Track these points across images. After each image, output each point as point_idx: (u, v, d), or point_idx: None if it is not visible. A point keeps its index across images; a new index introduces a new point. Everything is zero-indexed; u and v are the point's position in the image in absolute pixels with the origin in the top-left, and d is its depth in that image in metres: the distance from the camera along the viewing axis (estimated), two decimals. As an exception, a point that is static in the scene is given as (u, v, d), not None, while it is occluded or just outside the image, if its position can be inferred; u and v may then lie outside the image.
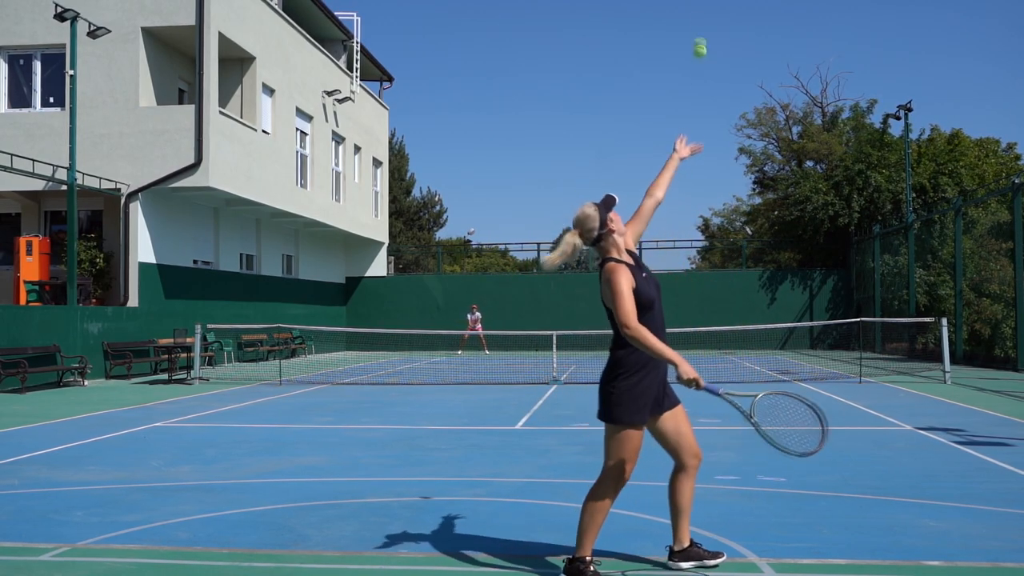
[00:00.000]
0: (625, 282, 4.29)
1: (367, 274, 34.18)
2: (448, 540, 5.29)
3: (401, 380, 18.76)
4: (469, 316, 30.79)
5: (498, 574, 4.67)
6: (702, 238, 51.15)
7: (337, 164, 29.61)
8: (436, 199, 52.25)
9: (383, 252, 34.74)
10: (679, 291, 31.66)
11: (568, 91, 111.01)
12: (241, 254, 25.48)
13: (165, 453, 8.78)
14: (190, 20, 20.09)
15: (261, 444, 9.37)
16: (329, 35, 29.78)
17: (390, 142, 40.60)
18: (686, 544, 4.70)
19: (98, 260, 20.37)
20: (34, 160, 18.13)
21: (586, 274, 34.55)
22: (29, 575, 4.70)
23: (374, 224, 33.47)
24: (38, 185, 19.54)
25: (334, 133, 29.04)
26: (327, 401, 14.12)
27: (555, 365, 18.31)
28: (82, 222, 20.82)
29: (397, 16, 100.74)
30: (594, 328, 23.73)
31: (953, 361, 18.20)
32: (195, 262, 22.80)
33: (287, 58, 24.81)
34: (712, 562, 4.68)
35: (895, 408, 12.22)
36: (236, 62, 22.50)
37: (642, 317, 4.29)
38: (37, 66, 20.82)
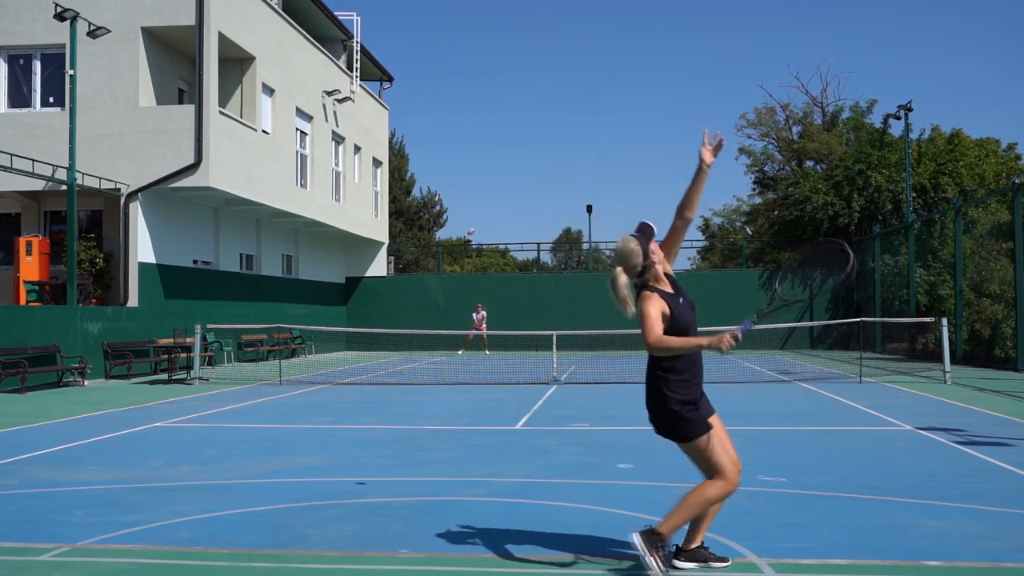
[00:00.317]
0: (653, 308, 4.46)
1: (367, 274, 34.18)
2: (448, 540, 5.29)
3: (401, 380, 18.76)
4: (475, 315, 30.79)
5: (498, 574, 4.67)
6: (702, 238, 51.18)
7: (337, 164, 29.61)
8: (436, 199, 52.27)
9: (383, 252, 34.74)
10: (679, 291, 31.62)
11: (568, 91, 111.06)
12: (241, 254, 25.48)
13: (165, 453, 8.78)
14: (190, 20, 20.09)
15: (261, 444, 9.37)
16: (329, 35, 29.78)
17: (390, 142, 40.60)
18: (694, 545, 4.70)
19: (98, 260, 20.37)
20: (34, 160, 18.13)
21: (586, 274, 34.55)
22: (29, 575, 4.70)
23: (374, 224, 33.47)
24: (38, 185, 19.54)
25: (334, 133, 29.04)
26: (327, 401, 14.12)
27: (555, 365, 18.31)
28: (82, 222, 20.83)
29: (397, 16, 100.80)
30: (594, 328, 23.76)
31: (953, 361, 18.20)
32: (195, 262, 22.80)
33: (287, 58, 24.81)
34: (717, 565, 4.68)
35: (895, 408, 12.22)
36: (236, 62, 22.50)
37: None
38: (37, 66, 20.82)
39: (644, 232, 4.60)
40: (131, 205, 19.94)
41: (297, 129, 25.77)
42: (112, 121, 20.05)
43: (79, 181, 18.56)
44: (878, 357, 26.00)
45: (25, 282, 19.22)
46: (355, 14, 30.12)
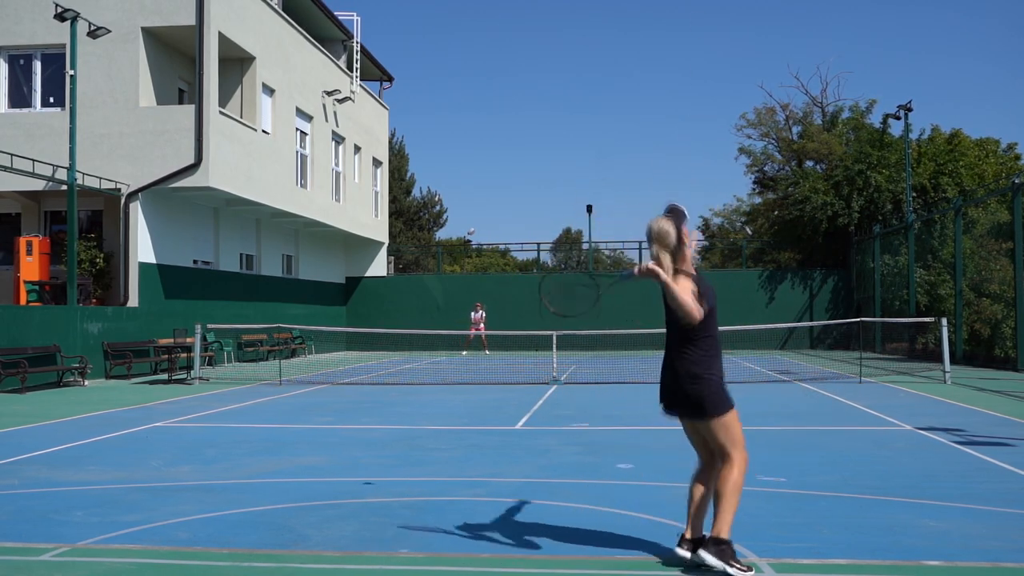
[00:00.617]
0: (690, 284, 4.59)
1: (367, 274, 34.18)
2: (448, 540, 5.29)
3: (401, 380, 18.76)
4: (473, 314, 30.70)
5: (498, 574, 4.67)
6: (702, 238, 51.18)
7: (337, 164, 29.61)
8: (436, 199, 52.26)
9: (383, 252, 34.74)
10: (679, 291, 31.61)
11: (568, 91, 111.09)
12: (241, 254, 25.48)
13: (165, 453, 8.78)
14: (190, 20, 20.09)
15: (261, 444, 9.37)
16: (329, 35, 29.79)
17: (390, 142, 40.60)
18: (701, 534, 4.75)
19: (98, 260, 20.37)
20: (34, 160, 18.13)
21: (585, 274, 34.53)
22: (29, 575, 4.70)
23: (374, 224, 33.47)
24: (38, 185, 19.54)
25: (334, 133, 29.04)
26: (327, 401, 14.12)
27: (555, 365, 18.31)
28: (82, 222, 20.83)
29: (397, 16, 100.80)
30: (594, 328, 23.78)
31: (953, 361, 18.19)
32: (195, 262, 22.80)
33: (287, 58, 24.81)
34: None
35: (895, 408, 12.22)
36: (236, 62, 22.50)
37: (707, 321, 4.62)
38: (37, 66, 20.82)
39: (675, 214, 4.65)
40: (131, 205, 19.94)
41: (297, 129, 25.78)
42: (112, 121, 20.05)
43: (79, 181, 18.56)
44: (878, 357, 26.00)
45: (25, 282, 19.22)
46: (355, 14, 30.15)
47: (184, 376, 18.33)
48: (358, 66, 30.37)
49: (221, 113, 20.72)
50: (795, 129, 40.95)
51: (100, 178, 19.54)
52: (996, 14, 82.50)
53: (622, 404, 13.06)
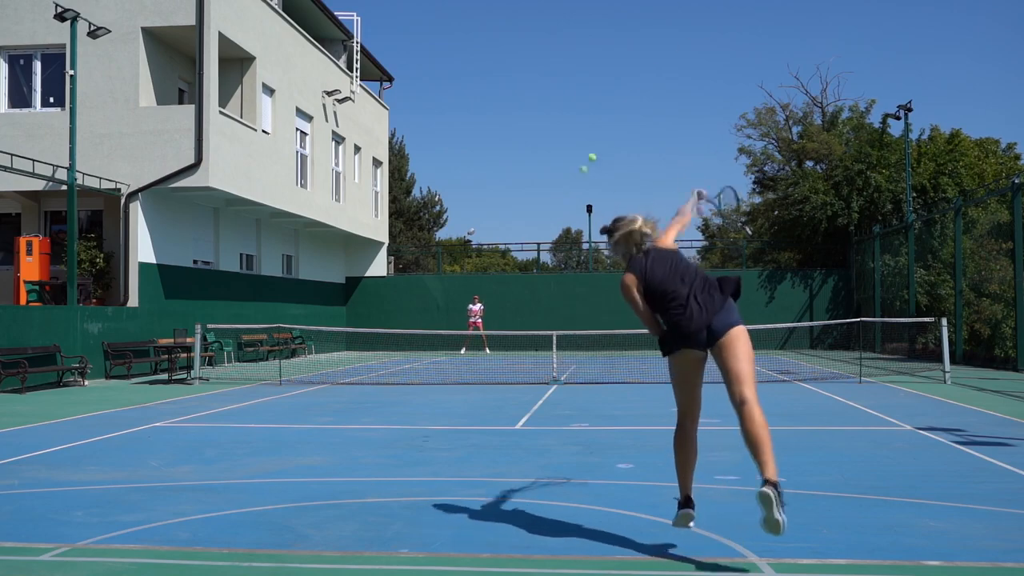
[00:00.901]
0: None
1: (367, 274, 34.18)
2: (448, 540, 5.29)
3: (401, 380, 18.76)
4: (472, 306, 30.46)
5: (498, 574, 4.67)
6: (702, 238, 51.18)
7: (337, 164, 29.61)
8: (436, 199, 52.24)
9: (383, 252, 34.74)
10: (679, 291, 31.59)
11: (568, 91, 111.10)
12: (241, 254, 25.48)
13: (165, 453, 8.78)
14: (190, 20, 20.09)
15: (261, 444, 9.37)
16: (329, 35, 29.79)
17: (390, 142, 40.59)
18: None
19: (98, 260, 20.37)
20: (34, 160, 18.13)
21: (586, 274, 34.56)
22: (29, 575, 4.70)
23: (374, 224, 33.47)
24: (38, 185, 19.54)
25: (334, 133, 29.04)
26: (327, 401, 14.12)
27: (555, 365, 18.31)
28: (82, 222, 20.83)
29: (397, 16, 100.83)
30: (594, 328, 23.78)
31: (953, 361, 18.20)
32: (195, 262, 22.80)
33: (287, 58, 24.81)
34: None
35: (895, 408, 12.22)
36: (236, 62, 22.50)
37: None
38: (37, 66, 20.83)
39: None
40: (131, 205, 19.95)
41: (297, 129, 25.78)
42: (112, 121, 20.05)
43: (79, 181, 18.56)
44: (878, 357, 25.99)
45: (25, 282, 19.22)
46: (355, 14, 30.14)
47: (184, 376, 18.33)
48: (358, 66, 30.37)
49: (221, 113, 20.72)
50: (795, 129, 40.95)
51: (100, 178, 19.54)
52: (996, 14, 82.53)
53: (622, 404, 13.06)
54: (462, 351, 30.38)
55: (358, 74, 30.46)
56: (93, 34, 18.46)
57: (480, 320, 30.04)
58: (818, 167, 36.83)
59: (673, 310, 4.89)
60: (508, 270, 51.71)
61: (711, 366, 4.97)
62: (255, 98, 22.78)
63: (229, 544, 5.26)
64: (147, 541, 5.34)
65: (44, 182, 19.02)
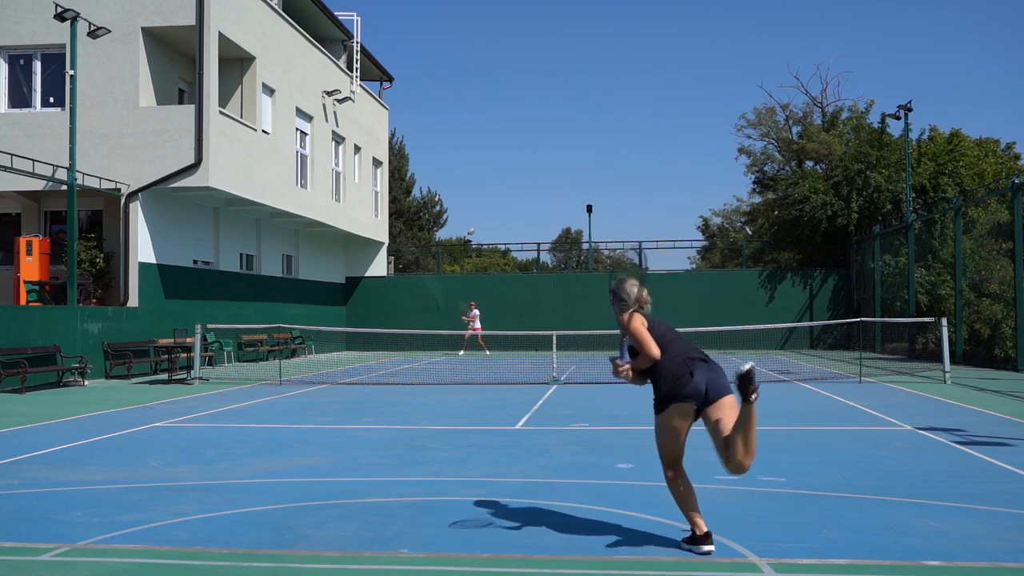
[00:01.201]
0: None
1: (367, 274, 34.18)
2: (448, 540, 5.29)
3: (401, 380, 18.76)
4: (470, 312, 30.36)
5: (498, 574, 4.67)
6: (702, 238, 51.19)
7: (337, 164, 29.61)
8: (436, 199, 52.25)
9: (383, 252, 34.75)
10: (679, 291, 31.67)
11: (568, 91, 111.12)
12: (241, 254, 25.48)
13: (165, 453, 8.78)
14: (190, 20, 20.09)
15: (261, 444, 9.37)
16: (329, 35, 29.79)
17: (390, 142, 40.60)
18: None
19: (98, 260, 20.37)
20: (34, 160, 18.13)
21: (586, 274, 34.57)
22: (29, 575, 4.70)
23: (374, 224, 33.47)
24: (38, 185, 19.54)
25: (334, 133, 29.04)
26: (327, 401, 14.12)
27: (555, 365, 18.31)
28: (82, 222, 20.83)
29: (397, 16, 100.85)
30: (594, 328, 23.75)
31: (953, 361, 18.20)
32: (195, 262, 22.81)
33: (287, 58, 24.82)
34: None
35: (895, 408, 12.22)
36: (236, 62, 22.50)
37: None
38: (37, 66, 20.83)
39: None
40: (131, 205, 19.95)
41: (297, 129, 25.78)
42: (112, 121, 20.05)
43: (79, 181, 18.56)
44: (878, 357, 26.00)
45: (25, 282, 19.22)
46: (355, 14, 30.14)
47: (184, 376, 18.34)
48: (358, 66, 30.37)
49: (221, 113, 20.72)
50: (795, 129, 40.97)
51: (100, 178, 19.54)
52: (996, 14, 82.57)
53: (622, 404, 13.06)
54: (460, 353, 30.33)
55: (358, 74, 30.47)
56: (93, 34, 18.46)
57: (478, 324, 29.72)
58: (818, 167, 36.85)
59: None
60: (508, 270, 51.71)
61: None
62: (255, 98, 22.78)
63: (229, 544, 5.26)
64: (147, 541, 5.34)
65: (44, 182, 19.02)
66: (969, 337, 22.42)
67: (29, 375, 15.77)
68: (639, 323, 5.26)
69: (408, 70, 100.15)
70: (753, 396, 4.67)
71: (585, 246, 39.69)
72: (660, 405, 5.07)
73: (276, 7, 24.15)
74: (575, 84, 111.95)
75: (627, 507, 6.12)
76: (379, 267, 34.46)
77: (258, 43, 22.80)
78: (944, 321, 16.80)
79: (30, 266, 19.31)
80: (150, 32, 20.51)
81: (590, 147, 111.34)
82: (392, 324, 31.99)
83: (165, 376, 18.40)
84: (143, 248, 20.15)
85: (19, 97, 20.97)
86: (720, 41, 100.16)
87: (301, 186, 26.11)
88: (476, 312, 29.73)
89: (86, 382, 17.45)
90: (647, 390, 5.17)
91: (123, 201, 19.92)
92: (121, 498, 6.62)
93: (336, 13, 28.92)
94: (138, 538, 5.41)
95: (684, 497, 5.07)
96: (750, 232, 45.22)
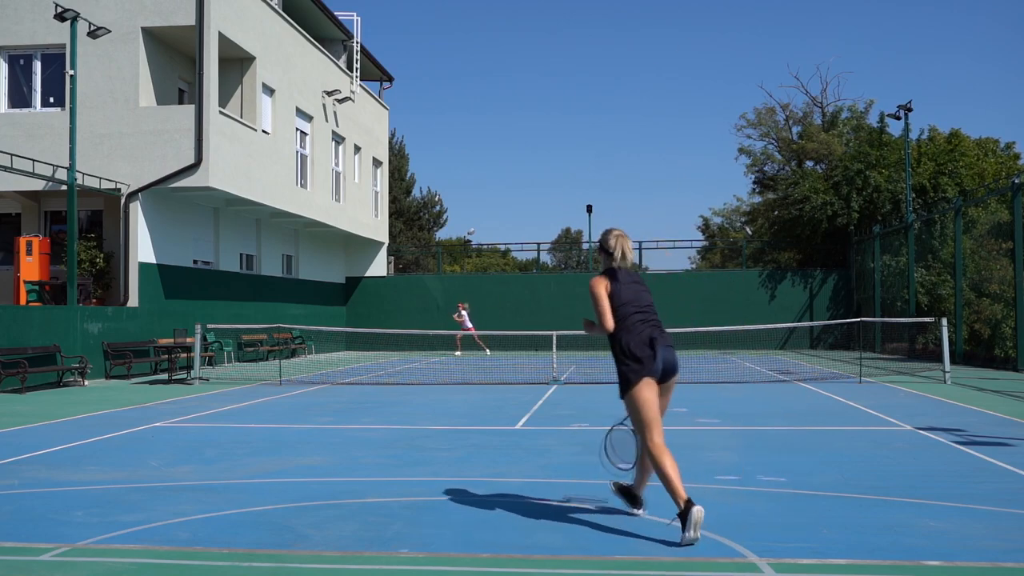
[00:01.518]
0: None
1: (367, 274, 34.18)
2: (448, 540, 5.29)
3: (401, 380, 18.76)
4: (462, 312, 30.16)
5: (498, 574, 4.67)
6: (702, 238, 51.20)
7: (337, 164, 29.61)
8: (436, 199, 52.25)
9: (383, 252, 34.74)
10: (679, 291, 31.66)
11: (568, 91, 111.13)
12: (241, 254, 25.48)
13: (165, 453, 8.78)
14: (190, 20, 20.09)
15: (261, 444, 9.37)
16: (329, 35, 29.78)
17: (390, 142, 40.59)
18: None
19: (98, 260, 20.37)
20: (34, 160, 18.13)
21: (586, 274, 34.56)
22: (29, 575, 4.70)
23: (374, 224, 33.47)
24: (38, 185, 19.54)
25: (334, 133, 29.04)
26: (327, 401, 14.12)
27: (555, 365, 18.31)
28: (82, 222, 20.83)
29: (397, 16, 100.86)
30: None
31: (953, 361, 18.19)
32: (195, 262, 22.81)
33: (287, 58, 24.81)
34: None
35: (895, 408, 12.22)
36: (236, 62, 22.50)
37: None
38: (37, 66, 20.82)
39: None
40: (131, 205, 19.95)
41: (297, 129, 25.78)
42: (112, 121, 20.05)
43: (79, 181, 18.56)
44: (878, 357, 25.99)
45: (25, 282, 19.22)
46: (355, 14, 30.14)
47: (184, 376, 18.33)
48: (358, 66, 30.37)
49: (221, 113, 20.72)
50: (795, 129, 40.98)
51: (100, 178, 19.54)
52: (996, 14, 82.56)
53: (622, 404, 13.04)
54: (457, 353, 30.29)
55: (358, 74, 30.47)
56: (93, 34, 18.46)
57: (469, 324, 29.46)
58: (818, 167, 36.85)
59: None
60: (508, 270, 51.72)
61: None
62: (255, 98, 22.78)
63: (229, 544, 5.26)
64: (147, 541, 5.34)
65: (44, 182, 19.02)
66: (969, 337, 22.41)
67: (29, 375, 15.77)
68: (601, 289, 5.53)
69: (408, 70, 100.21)
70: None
71: (585, 246, 39.71)
72: (625, 386, 5.44)
73: (276, 7, 24.15)
74: (575, 84, 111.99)
75: (627, 507, 6.11)
76: (379, 267, 34.46)
77: (258, 43, 22.80)
78: (944, 321, 16.80)
79: (30, 266, 19.31)
80: (150, 32, 20.51)
81: (590, 147, 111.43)
82: (392, 324, 31.98)
83: (165, 376, 18.39)
84: (143, 248, 20.15)
85: (19, 97, 20.97)
86: (720, 41, 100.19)
87: (301, 186, 26.11)
88: (465, 313, 29.49)
89: (86, 382, 17.45)
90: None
91: (123, 201, 19.92)
92: (121, 498, 6.62)
93: (336, 13, 28.93)
94: (138, 538, 5.41)
95: (670, 474, 5.14)
96: (750, 232, 45.21)
